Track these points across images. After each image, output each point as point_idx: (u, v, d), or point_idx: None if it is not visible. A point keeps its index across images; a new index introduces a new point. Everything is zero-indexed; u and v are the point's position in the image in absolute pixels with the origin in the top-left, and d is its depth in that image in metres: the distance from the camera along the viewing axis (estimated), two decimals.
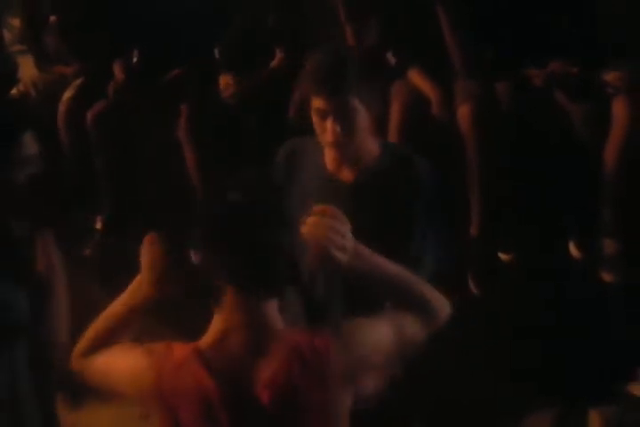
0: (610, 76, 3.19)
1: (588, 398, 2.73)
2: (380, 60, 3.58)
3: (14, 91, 3.99)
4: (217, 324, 1.63)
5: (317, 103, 2.20)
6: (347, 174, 2.31)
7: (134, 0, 3.79)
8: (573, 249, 3.27)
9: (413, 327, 1.70)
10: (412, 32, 3.45)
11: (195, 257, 1.65)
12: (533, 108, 3.26)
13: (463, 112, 3.25)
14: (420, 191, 2.30)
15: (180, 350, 1.64)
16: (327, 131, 2.20)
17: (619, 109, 3.09)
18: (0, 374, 2.03)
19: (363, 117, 2.22)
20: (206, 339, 1.64)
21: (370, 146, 2.32)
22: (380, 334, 1.67)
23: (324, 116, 2.20)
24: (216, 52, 3.88)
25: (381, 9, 3.56)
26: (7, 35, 4.76)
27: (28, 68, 4.29)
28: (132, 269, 3.69)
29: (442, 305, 1.75)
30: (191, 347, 1.63)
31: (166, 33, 3.71)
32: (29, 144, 2.09)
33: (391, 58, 3.58)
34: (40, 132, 3.42)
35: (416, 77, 3.45)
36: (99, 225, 3.84)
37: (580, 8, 3.25)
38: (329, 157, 2.33)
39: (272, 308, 1.62)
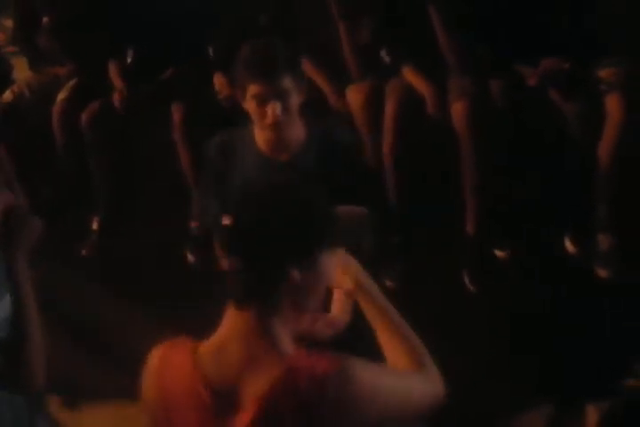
0: (603, 73, 3.20)
1: (584, 394, 2.74)
2: (373, 58, 3.59)
3: (8, 92, 3.98)
4: (221, 329, 1.61)
5: (255, 89, 2.40)
6: (281, 155, 2.53)
7: (128, 0, 3.79)
8: (569, 245, 3.28)
9: (420, 389, 1.64)
10: (406, 30, 3.45)
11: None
12: (527, 105, 3.27)
13: (457, 110, 3.25)
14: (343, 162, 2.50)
15: (182, 351, 1.61)
16: (267, 114, 2.40)
17: (612, 106, 3.10)
18: None
19: (295, 98, 2.45)
20: (208, 344, 1.61)
21: (299, 126, 2.53)
22: (392, 386, 1.57)
23: (263, 100, 2.40)
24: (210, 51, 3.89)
25: (374, 7, 3.57)
26: (0, 36, 4.76)
27: (21, 70, 4.28)
28: (128, 269, 3.72)
29: (438, 376, 1.70)
30: (192, 350, 1.60)
31: (160, 33, 3.71)
32: None
33: (385, 56, 3.58)
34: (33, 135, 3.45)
35: (410, 75, 3.45)
36: (95, 226, 3.84)
37: (574, 6, 3.25)
38: (262, 141, 2.53)
39: (276, 325, 1.56)
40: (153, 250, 3.66)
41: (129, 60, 3.87)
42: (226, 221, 1.56)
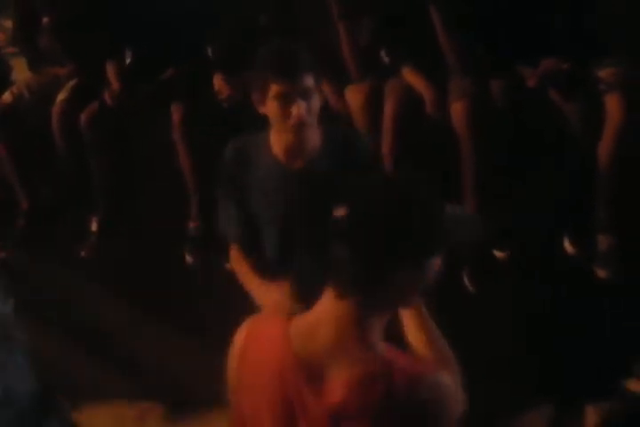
0: (603, 73, 3.20)
1: (584, 394, 2.74)
2: (373, 58, 3.59)
3: (8, 93, 3.98)
4: (315, 311, 1.64)
5: (277, 89, 2.32)
6: (296, 161, 2.46)
7: (128, 0, 3.78)
8: (568, 246, 3.27)
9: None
10: (406, 31, 3.45)
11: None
12: (527, 105, 3.27)
13: (457, 110, 3.25)
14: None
15: (273, 325, 1.66)
16: (292, 114, 2.32)
17: (612, 106, 3.10)
18: None
19: (316, 99, 2.38)
20: (299, 322, 1.64)
21: (316, 132, 2.46)
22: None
23: (287, 100, 2.31)
24: (209, 51, 3.89)
25: (374, 7, 3.57)
26: (0, 36, 4.76)
27: (21, 70, 4.28)
28: (127, 270, 3.72)
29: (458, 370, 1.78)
30: (283, 324, 1.64)
31: (159, 33, 3.70)
32: None
33: (385, 56, 3.58)
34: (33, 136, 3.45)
35: (410, 76, 3.45)
36: (94, 226, 3.84)
37: (573, 6, 3.25)
38: (280, 146, 2.46)
39: (371, 317, 1.59)
40: (152, 251, 3.66)
41: (127, 60, 3.87)
42: (340, 212, 1.58)
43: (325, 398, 1.56)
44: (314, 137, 2.45)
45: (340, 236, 1.57)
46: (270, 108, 2.37)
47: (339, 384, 1.55)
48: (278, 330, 1.64)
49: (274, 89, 2.33)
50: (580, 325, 2.94)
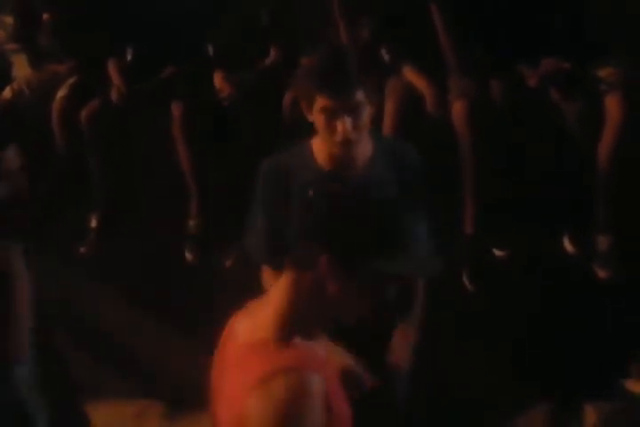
0: (604, 73, 3.20)
1: (583, 394, 2.74)
2: (373, 56, 3.58)
3: (8, 90, 3.97)
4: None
5: (324, 102, 2.17)
6: (345, 171, 2.29)
7: None
8: (568, 245, 3.28)
9: None
10: (406, 30, 3.45)
11: None
12: (527, 105, 3.27)
13: (457, 109, 3.26)
14: (413, 182, 2.33)
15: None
16: (338, 130, 2.17)
17: (612, 106, 3.10)
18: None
19: (368, 112, 2.21)
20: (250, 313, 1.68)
21: (365, 144, 2.31)
22: None
23: (333, 115, 2.17)
24: (210, 50, 3.89)
25: (375, 6, 3.57)
26: (1, 33, 4.76)
27: (21, 67, 4.28)
28: (127, 267, 3.71)
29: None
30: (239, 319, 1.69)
31: (160, 31, 3.70)
32: (12, 159, 2.05)
33: (385, 55, 3.58)
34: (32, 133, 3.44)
35: (410, 74, 3.46)
36: (93, 223, 3.84)
37: (573, 6, 3.25)
38: (326, 156, 2.31)
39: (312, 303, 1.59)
40: (152, 248, 3.66)
41: (128, 58, 3.87)
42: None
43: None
44: (363, 149, 2.30)
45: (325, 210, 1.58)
46: (317, 119, 2.23)
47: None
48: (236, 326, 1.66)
49: (319, 102, 2.19)
50: (580, 324, 2.94)
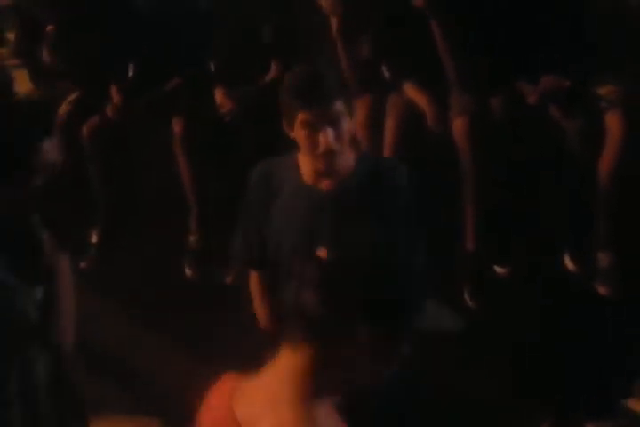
0: (604, 90, 3.21)
1: (585, 413, 2.73)
2: (374, 73, 3.59)
3: None
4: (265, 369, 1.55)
5: (305, 117, 2.21)
6: (324, 183, 2.33)
7: (131, 12, 3.80)
8: (568, 262, 3.28)
9: None
10: (406, 47, 3.46)
11: None
12: (527, 122, 3.28)
13: (458, 125, 3.27)
14: (399, 198, 2.34)
15: (219, 395, 1.59)
16: (320, 142, 2.21)
17: (613, 123, 3.11)
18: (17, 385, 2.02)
19: (347, 123, 2.25)
20: (246, 386, 1.55)
21: (347, 156, 2.33)
22: None
23: (314, 128, 2.21)
24: (211, 65, 3.90)
25: (374, 24, 3.58)
26: (3, 50, 4.78)
27: (23, 82, 4.29)
28: (127, 282, 3.70)
29: None
30: (229, 392, 1.57)
31: (162, 46, 3.72)
32: (51, 151, 2.09)
33: (385, 71, 3.59)
34: None
35: (411, 91, 3.47)
36: (94, 239, 3.84)
37: (574, 23, 3.27)
38: (309, 170, 2.34)
39: (319, 379, 1.47)
40: (152, 263, 3.65)
41: (129, 73, 3.89)
42: (322, 253, 1.53)
43: None
44: (345, 162, 2.33)
45: (316, 277, 1.47)
46: (298, 135, 2.27)
47: None
48: (223, 401, 1.54)
49: (300, 117, 2.23)
50: (582, 342, 2.93)
